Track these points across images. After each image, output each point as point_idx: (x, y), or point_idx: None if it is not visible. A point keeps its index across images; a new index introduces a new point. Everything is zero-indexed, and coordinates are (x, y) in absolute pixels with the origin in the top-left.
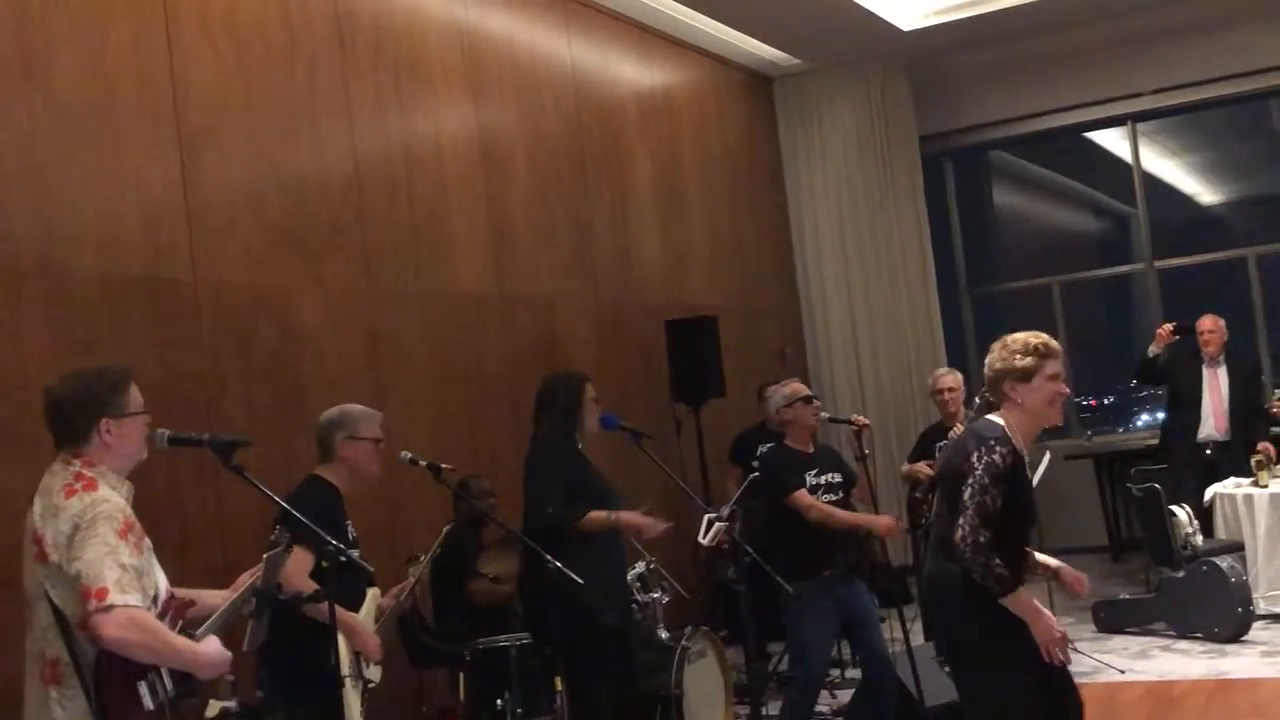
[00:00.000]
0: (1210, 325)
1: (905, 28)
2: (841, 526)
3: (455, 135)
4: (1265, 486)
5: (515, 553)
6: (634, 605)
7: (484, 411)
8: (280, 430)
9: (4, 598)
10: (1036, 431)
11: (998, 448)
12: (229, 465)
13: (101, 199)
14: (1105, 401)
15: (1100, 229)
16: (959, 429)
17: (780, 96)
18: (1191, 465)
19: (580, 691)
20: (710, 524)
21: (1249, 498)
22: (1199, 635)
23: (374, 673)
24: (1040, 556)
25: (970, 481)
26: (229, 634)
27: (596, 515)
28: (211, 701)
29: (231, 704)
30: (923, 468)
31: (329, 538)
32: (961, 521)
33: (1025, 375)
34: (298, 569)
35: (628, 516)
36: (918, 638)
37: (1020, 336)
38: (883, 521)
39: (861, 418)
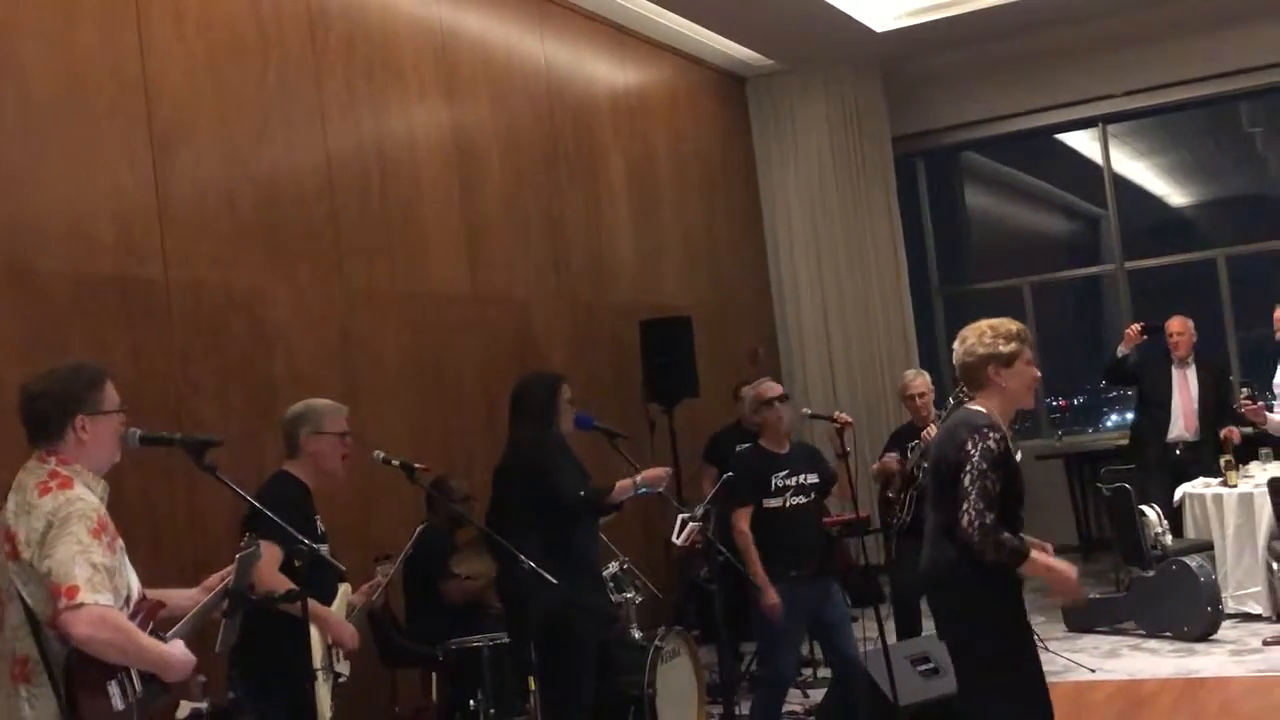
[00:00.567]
0: (1179, 327)
1: (878, 29)
2: (748, 567)
3: (429, 134)
4: (1234, 486)
5: (489, 554)
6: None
7: (457, 411)
8: (252, 430)
9: None
10: (1012, 415)
11: (991, 434)
12: (201, 465)
13: (73, 197)
14: (1075, 402)
15: (1071, 230)
16: (932, 429)
17: (753, 96)
18: (1161, 465)
19: (559, 694)
20: (684, 524)
21: (1218, 497)
22: (1168, 634)
23: (344, 667)
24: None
25: (968, 468)
26: (200, 634)
27: (622, 483)
28: (183, 702)
29: (203, 705)
30: (891, 461)
31: (298, 535)
32: (966, 507)
33: (1009, 360)
34: (267, 566)
35: (649, 473)
36: (890, 636)
37: (998, 323)
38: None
39: (844, 415)
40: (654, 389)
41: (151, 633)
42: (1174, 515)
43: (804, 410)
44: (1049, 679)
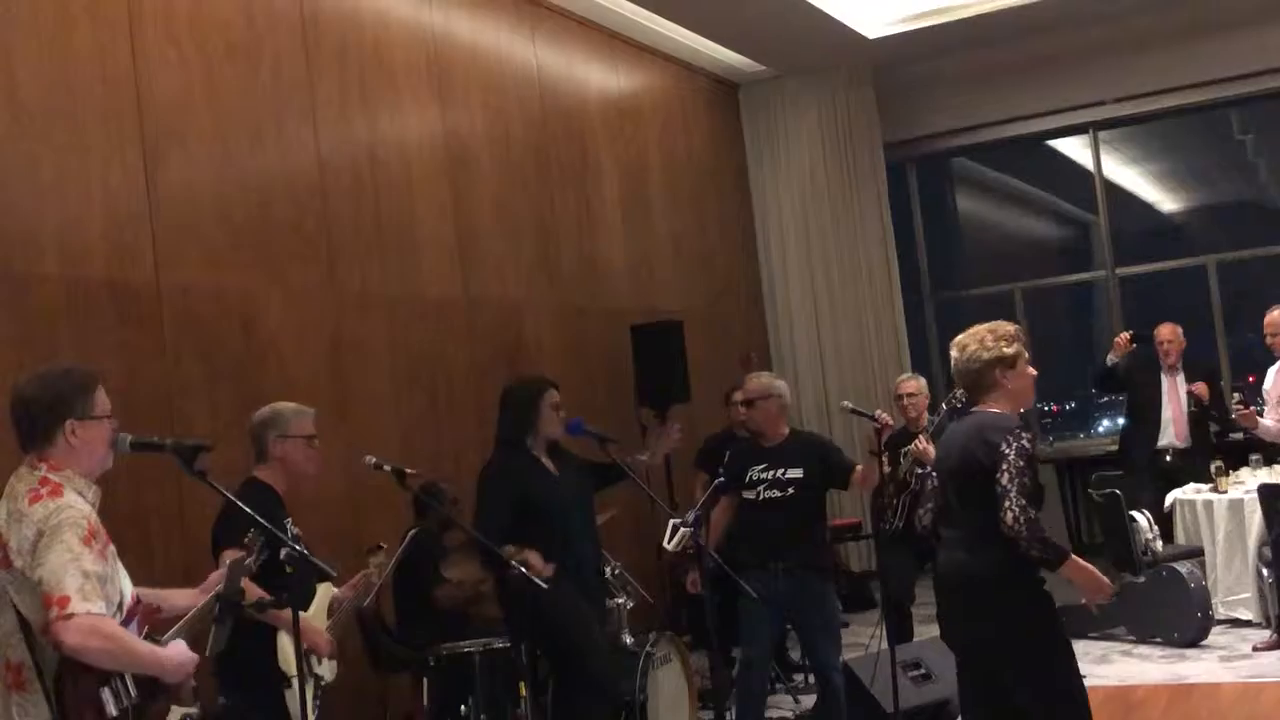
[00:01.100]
0: (1169, 335)
1: (870, 35)
2: None
3: (420, 139)
4: (1224, 492)
5: (478, 557)
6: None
7: (449, 416)
8: (243, 435)
9: None
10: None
11: (1023, 434)
12: (191, 470)
13: (64, 202)
14: (1067, 407)
15: (1062, 236)
16: (922, 440)
17: (745, 103)
18: (1151, 472)
19: (570, 693)
20: (675, 529)
21: (1208, 504)
22: (1159, 640)
23: (326, 669)
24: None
25: (1005, 467)
26: (191, 639)
27: (509, 549)
28: (173, 708)
29: (193, 710)
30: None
31: (286, 539)
32: (1009, 505)
33: (1013, 361)
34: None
35: (530, 558)
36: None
37: (996, 327)
38: None
39: (885, 415)
40: (646, 393)
41: (147, 636)
42: (1164, 521)
43: (844, 404)
44: None
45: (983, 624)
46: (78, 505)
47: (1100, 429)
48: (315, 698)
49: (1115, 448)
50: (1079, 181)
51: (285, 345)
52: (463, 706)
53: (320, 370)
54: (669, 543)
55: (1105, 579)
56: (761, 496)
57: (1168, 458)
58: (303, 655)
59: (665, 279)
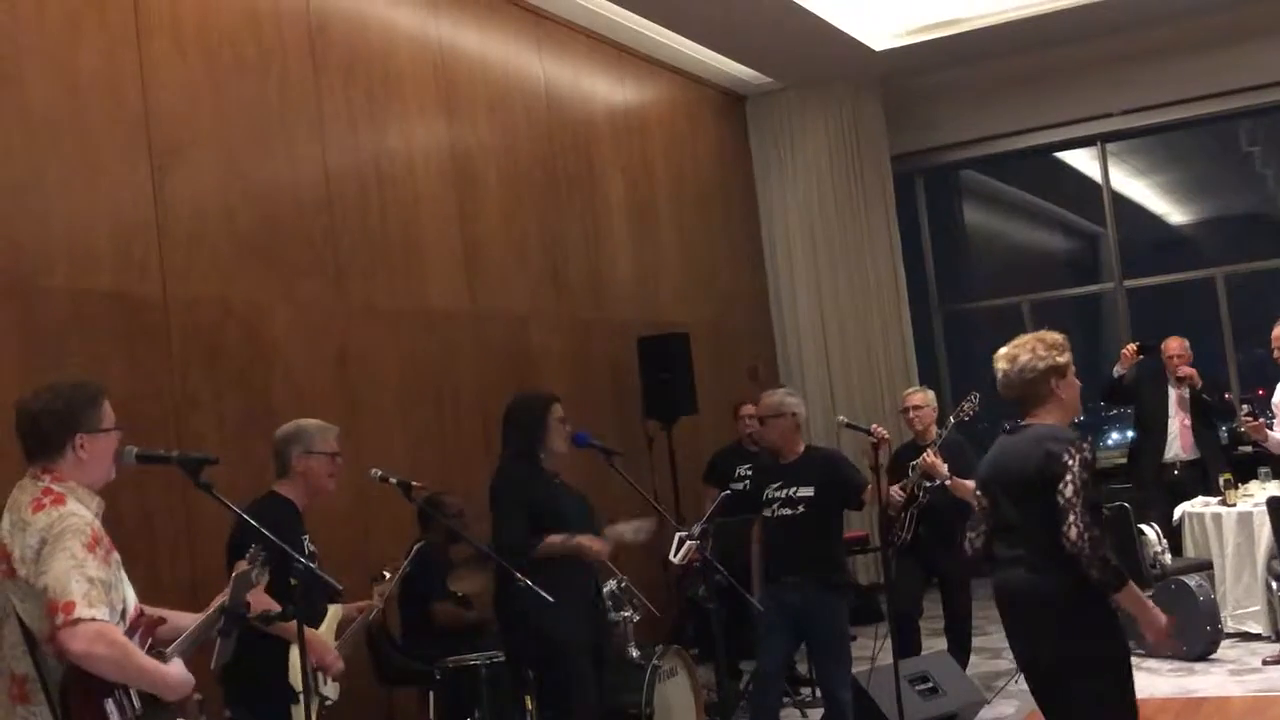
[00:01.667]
0: (1177, 348)
1: (877, 48)
2: None
3: (427, 151)
4: (1233, 505)
5: (485, 570)
6: (606, 623)
7: (455, 428)
8: (250, 446)
9: None
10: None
11: (1084, 445)
12: (197, 483)
13: (72, 213)
14: (1076, 420)
15: (1070, 248)
16: (930, 453)
17: (753, 115)
18: (1159, 484)
19: (556, 712)
20: (681, 542)
21: (1217, 516)
22: (1167, 654)
23: (331, 690)
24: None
25: (1069, 480)
26: (195, 653)
27: (552, 540)
28: None
29: None
30: (895, 494)
31: (294, 553)
32: (1073, 520)
33: (1065, 370)
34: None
35: (583, 540)
36: (886, 655)
37: (1044, 336)
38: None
39: (881, 430)
40: (652, 406)
41: (150, 649)
42: (1173, 534)
43: (840, 419)
44: None
45: (1058, 644)
46: (80, 513)
47: (1110, 442)
48: (319, 717)
49: (1125, 460)
50: (1087, 193)
51: (292, 357)
52: None
53: (327, 382)
54: (675, 556)
55: (1162, 617)
56: (776, 514)
57: (1175, 470)
58: (309, 672)
59: (672, 291)
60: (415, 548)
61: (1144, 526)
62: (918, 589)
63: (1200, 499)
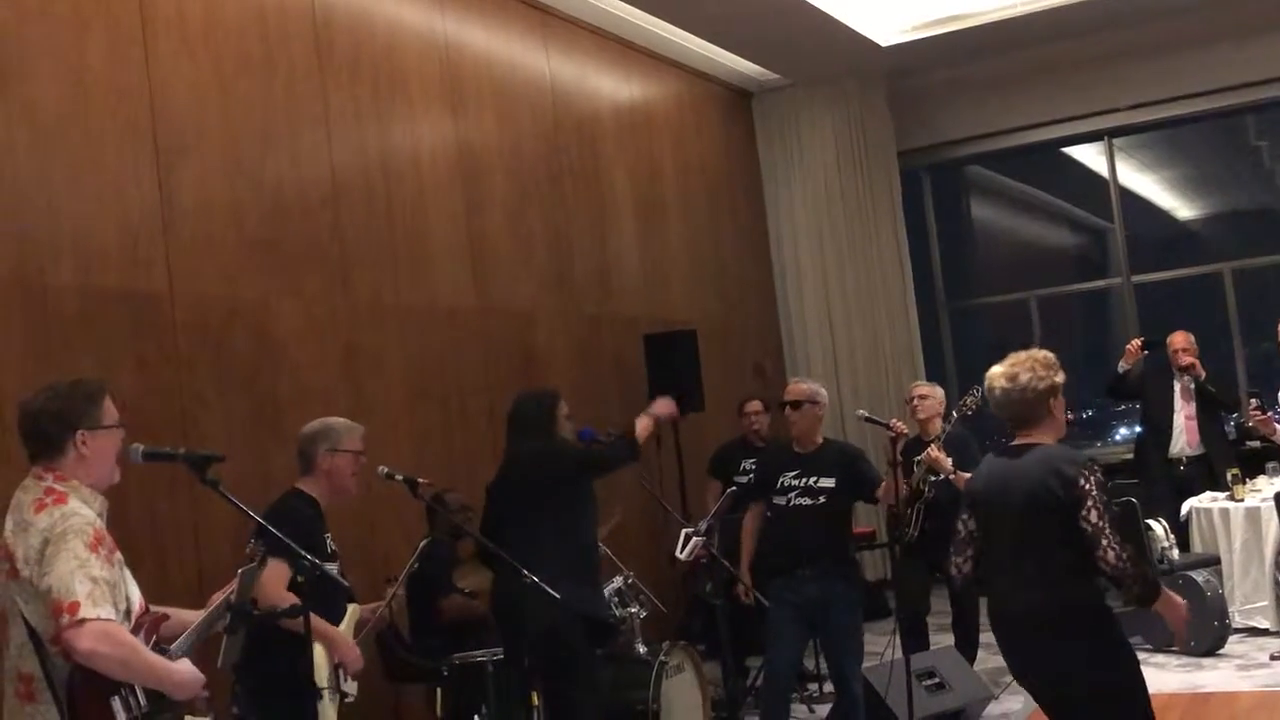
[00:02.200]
0: (1182, 342)
1: (883, 43)
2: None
3: (433, 148)
4: (1241, 500)
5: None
6: (613, 618)
7: (461, 425)
8: (256, 444)
9: None
10: None
11: (1094, 465)
12: (203, 480)
13: (78, 211)
14: (1083, 415)
15: (1077, 244)
16: (934, 449)
17: (759, 111)
18: (1165, 480)
19: (560, 708)
20: (688, 539)
21: (1225, 512)
22: (1175, 649)
23: (351, 686)
24: None
25: (1091, 504)
26: (202, 650)
27: (642, 421)
28: (187, 718)
29: None
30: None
31: (303, 551)
32: (1106, 544)
33: (1059, 390)
34: (275, 582)
35: (661, 407)
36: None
37: (1038, 355)
38: None
39: (900, 424)
40: None
41: (155, 646)
42: (1180, 530)
43: (860, 413)
44: None
45: (1072, 662)
46: (82, 512)
47: (1117, 437)
48: (338, 715)
49: (1132, 456)
50: (1094, 189)
51: (298, 354)
52: (476, 716)
53: (333, 379)
54: (682, 552)
55: (1183, 604)
56: (792, 503)
57: (1181, 466)
58: (312, 668)
59: (678, 288)
60: (422, 544)
61: (1151, 522)
62: (925, 585)
63: (1208, 494)
